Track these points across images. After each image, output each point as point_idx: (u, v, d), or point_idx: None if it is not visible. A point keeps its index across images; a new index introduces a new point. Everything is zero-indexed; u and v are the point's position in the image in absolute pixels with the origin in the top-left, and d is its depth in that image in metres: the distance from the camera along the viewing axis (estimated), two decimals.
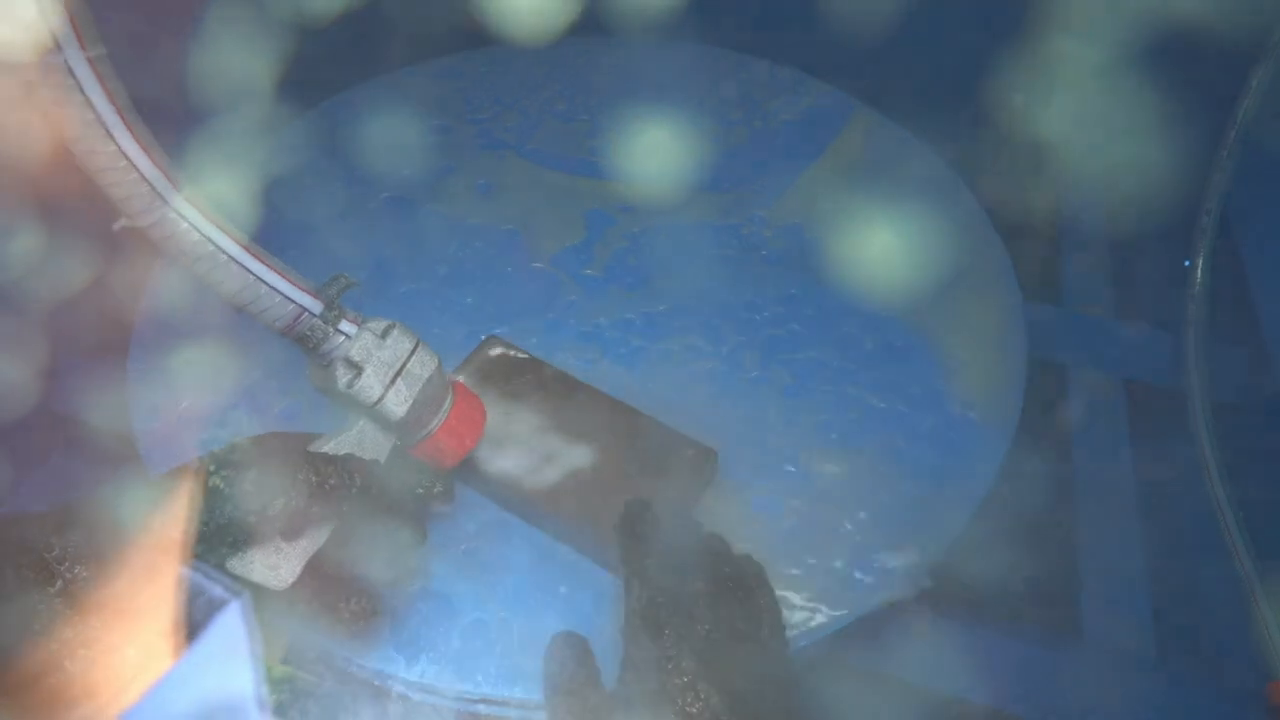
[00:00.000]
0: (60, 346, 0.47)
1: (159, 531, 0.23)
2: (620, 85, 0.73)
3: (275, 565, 0.37)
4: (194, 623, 0.23)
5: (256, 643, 0.23)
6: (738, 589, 0.38)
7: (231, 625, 0.23)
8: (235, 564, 0.36)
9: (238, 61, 0.57)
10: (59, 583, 0.22)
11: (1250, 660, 0.51)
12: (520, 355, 0.52)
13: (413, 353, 0.39)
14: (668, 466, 0.47)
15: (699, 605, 0.37)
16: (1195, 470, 0.54)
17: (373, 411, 0.39)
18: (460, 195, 0.66)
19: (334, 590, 0.38)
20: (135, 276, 0.55)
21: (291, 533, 0.37)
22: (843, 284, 0.58)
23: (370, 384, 0.38)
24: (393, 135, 0.70)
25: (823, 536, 0.47)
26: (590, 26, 0.74)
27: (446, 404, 0.42)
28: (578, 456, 0.47)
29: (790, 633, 0.40)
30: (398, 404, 0.39)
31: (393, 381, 0.39)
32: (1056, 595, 0.53)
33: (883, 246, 0.59)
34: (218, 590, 0.23)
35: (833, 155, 0.67)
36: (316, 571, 0.38)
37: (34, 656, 0.20)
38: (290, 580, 0.37)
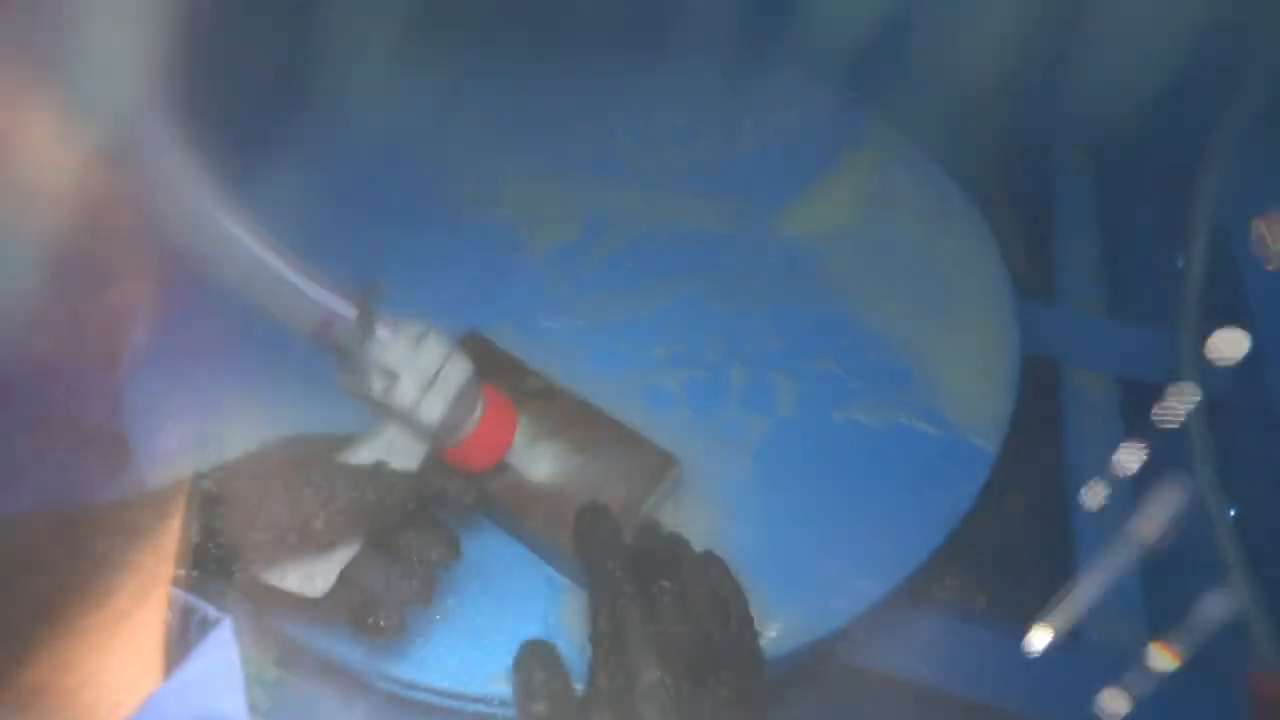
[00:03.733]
0: (57, 347, 0.47)
1: (153, 548, 0.23)
2: (640, 87, 0.73)
3: (311, 575, 0.37)
4: (186, 641, 0.23)
5: (246, 661, 0.23)
6: (701, 584, 0.39)
7: (223, 644, 0.23)
8: (270, 574, 0.36)
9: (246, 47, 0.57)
10: (53, 601, 0.22)
11: (1244, 658, 0.51)
12: (498, 354, 0.52)
13: (448, 359, 0.39)
14: (629, 471, 0.47)
15: (663, 602, 0.37)
16: (1188, 468, 0.54)
17: (407, 418, 0.39)
18: (462, 190, 0.66)
19: (362, 602, 0.38)
20: (136, 278, 0.55)
21: (327, 542, 0.37)
22: (838, 297, 0.58)
23: (406, 390, 0.38)
24: (403, 127, 0.70)
25: (803, 548, 0.47)
26: (615, 26, 0.74)
27: (478, 408, 0.42)
28: (542, 458, 0.47)
29: (763, 641, 0.40)
30: (432, 410, 0.38)
31: (428, 388, 0.38)
32: (1050, 593, 0.53)
33: (882, 263, 0.60)
34: (210, 610, 0.24)
35: (842, 170, 0.66)
36: (346, 582, 0.37)
37: (29, 675, 0.20)
38: (326, 589, 0.37)
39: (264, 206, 0.62)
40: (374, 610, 0.38)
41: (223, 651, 0.23)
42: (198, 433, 0.49)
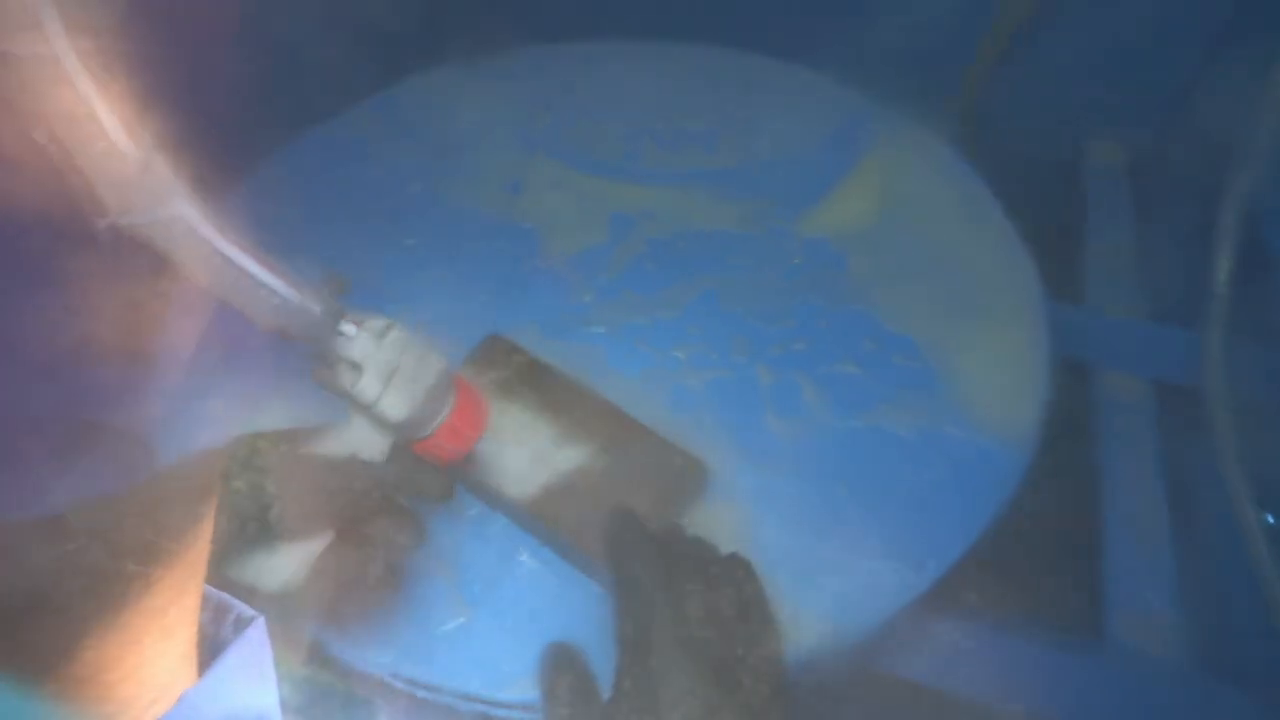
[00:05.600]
0: (83, 346, 0.48)
1: (188, 543, 0.23)
2: (659, 89, 0.73)
3: (269, 568, 0.37)
4: (220, 639, 0.24)
5: (278, 660, 0.24)
6: (727, 587, 0.38)
7: (257, 642, 0.23)
8: (233, 568, 0.36)
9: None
10: (96, 597, 0.22)
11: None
12: (521, 356, 0.52)
13: (409, 353, 0.39)
14: (655, 475, 0.47)
15: (689, 606, 0.37)
16: (1221, 472, 0.54)
17: (371, 411, 0.39)
18: (487, 193, 0.66)
19: (333, 592, 0.38)
20: (158, 278, 0.55)
21: (287, 534, 0.37)
22: (865, 298, 0.57)
23: (369, 385, 0.38)
24: (429, 131, 0.70)
25: (829, 552, 0.47)
26: (633, 29, 0.74)
27: (449, 402, 0.42)
28: (567, 461, 0.47)
29: (788, 645, 0.40)
30: (395, 404, 0.39)
31: (390, 382, 0.39)
32: (1082, 599, 0.53)
33: (909, 264, 0.59)
34: (245, 608, 0.24)
35: (865, 169, 0.66)
36: (316, 574, 0.38)
37: (74, 668, 0.20)
38: (284, 582, 0.37)
39: (284, 210, 0.63)
40: (344, 598, 0.38)
41: (256, 649, 0.24)
42: (226, 431, 0.49)
